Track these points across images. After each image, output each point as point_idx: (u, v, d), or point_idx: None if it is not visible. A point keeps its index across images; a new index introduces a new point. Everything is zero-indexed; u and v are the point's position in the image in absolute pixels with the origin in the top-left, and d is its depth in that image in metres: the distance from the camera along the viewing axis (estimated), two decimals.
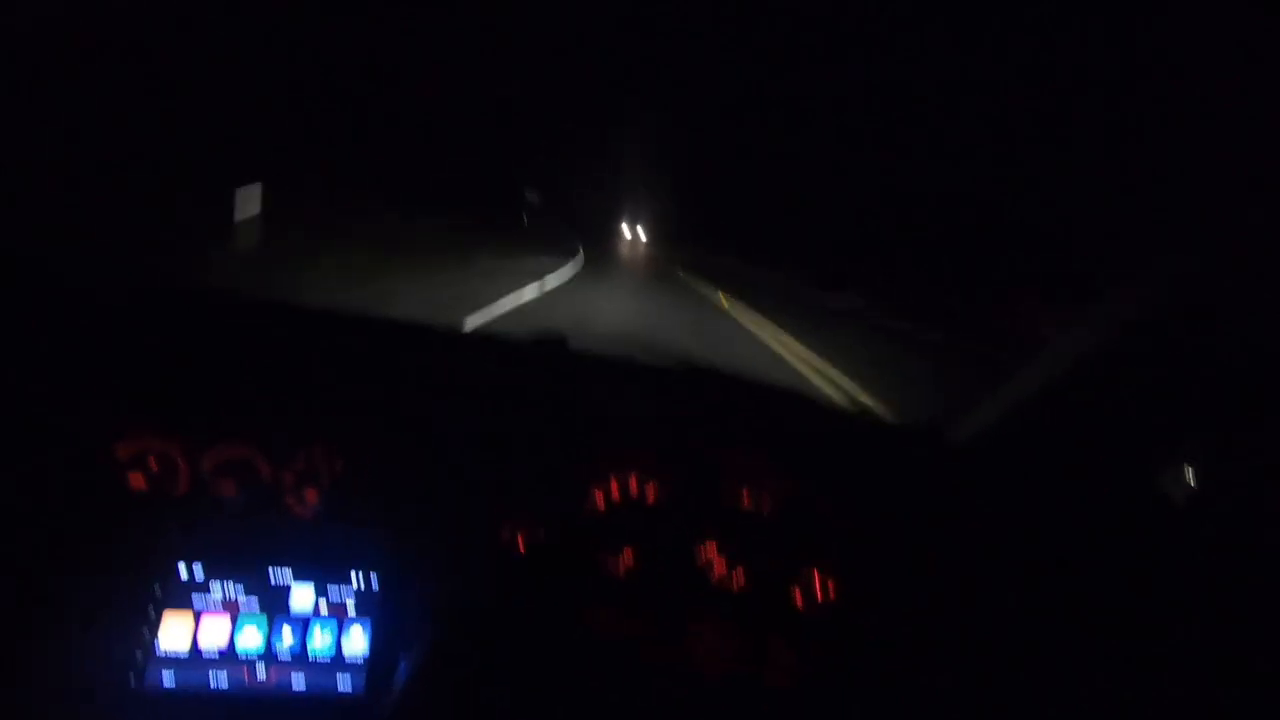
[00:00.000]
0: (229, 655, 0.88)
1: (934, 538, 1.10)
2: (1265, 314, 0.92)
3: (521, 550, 1.02)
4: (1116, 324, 1.03)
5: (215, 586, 0.91)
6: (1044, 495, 1.08)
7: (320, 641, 0.91)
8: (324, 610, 0.93)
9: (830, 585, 1.07)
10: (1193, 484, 0.97)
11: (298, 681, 0.89)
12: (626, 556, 1.06)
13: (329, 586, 0.94)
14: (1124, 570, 1.04)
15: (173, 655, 0.87)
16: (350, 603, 0.94)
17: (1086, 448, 1.07)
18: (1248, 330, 0.96)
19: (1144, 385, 1.05)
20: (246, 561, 0.93)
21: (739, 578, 1.07)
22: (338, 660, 0.91)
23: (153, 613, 0.88)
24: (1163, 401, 1.05)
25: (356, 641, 0.93)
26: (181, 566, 0.91)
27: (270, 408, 0.99)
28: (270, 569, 0.93)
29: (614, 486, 1.09)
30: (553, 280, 8.06)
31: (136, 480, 0.92)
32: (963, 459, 1.20)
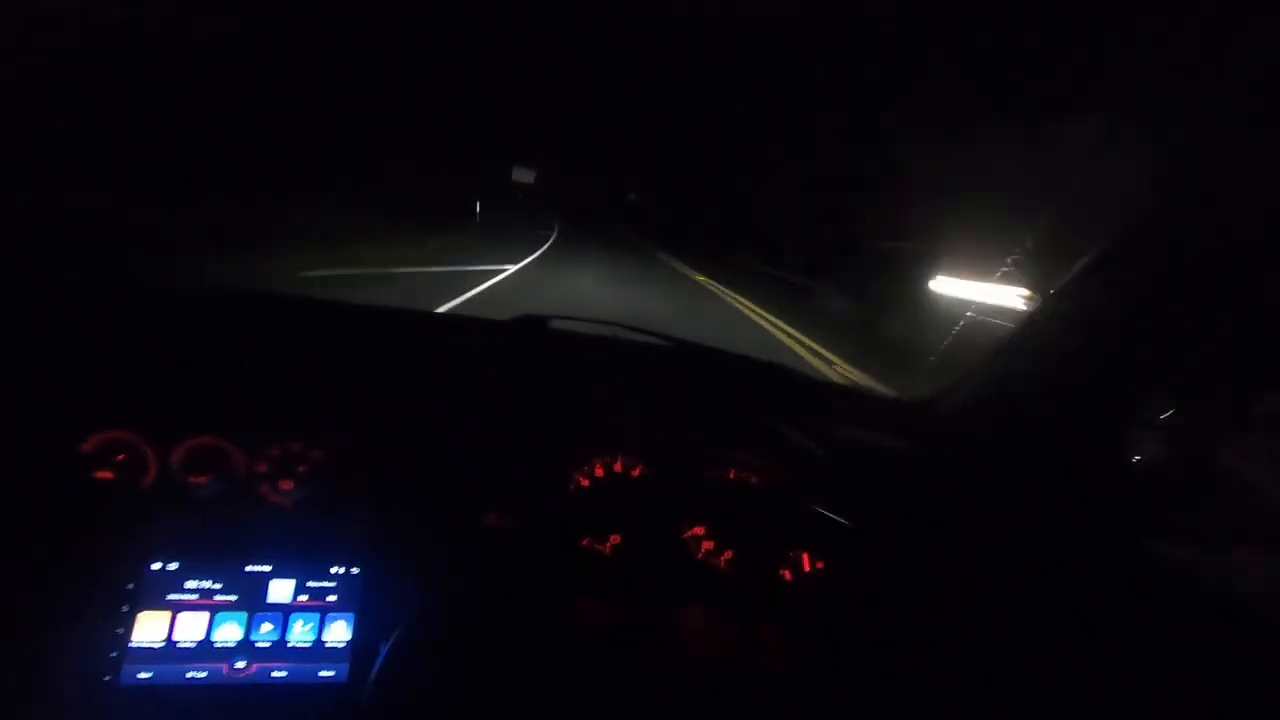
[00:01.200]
0: (206, 649, 0.86)
1: (924, 512, 1.09)
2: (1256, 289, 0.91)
3: (506, 536, 1.00)
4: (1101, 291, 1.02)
5: (191, 582, 0.89)
6: (1029, 466, 1.07)
7: (300, 633, 0.89)
8: (304, 602, 0.91)
9: (819, 564, 1.06)
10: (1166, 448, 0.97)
11: (278, 673, 0.87)
12: (614, 540, 1.04)
13: (309, 579, 0.92)
14: (1107, 546, 1.03)
15: (147, 650, 0.85)
16: (331, 595, 0.92)
17: (1070, 418, 1.06)
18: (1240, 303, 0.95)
19: (1128, 351, 1.04)
20: (224, 556, 0.91)
21: (728, 559, 1.06)
22: (318, 649, 0.89)
23: (127, 609, 0.86)
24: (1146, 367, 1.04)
25: (339, 633, 0.91)
26: (156, 562, 0.88)
27: (242, 396, 0.96)
28: (248, 563, 0.91)
29: (599, 469, 1.07)
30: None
31: (104, 475, 0.89)
32: (952, 429, 1.19)
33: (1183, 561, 0.94)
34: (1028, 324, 1.12)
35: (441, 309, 6.78)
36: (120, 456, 0.90)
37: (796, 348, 7.15)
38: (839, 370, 6.22)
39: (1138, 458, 0.99)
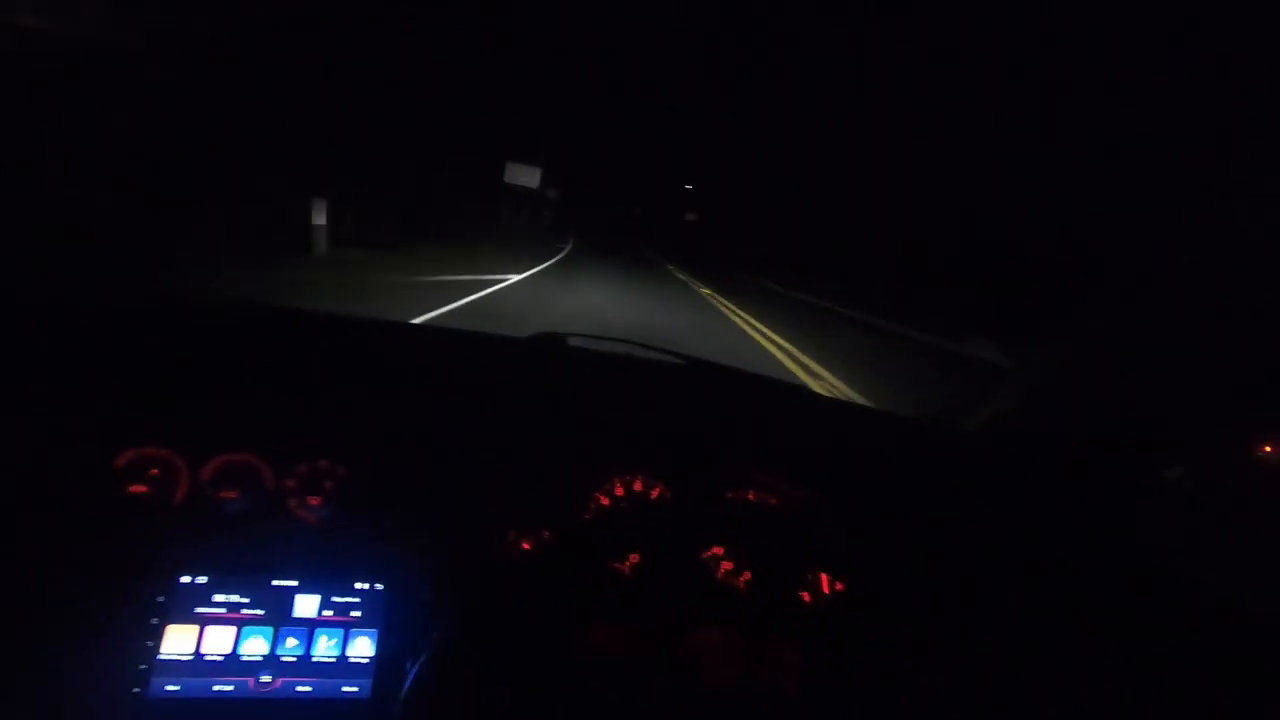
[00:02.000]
0: (233, 662, 0.87)
1: (943, 534, 1.09)
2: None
3: (526, 555, 1.01)
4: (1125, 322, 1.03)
5: (219, 596, 0.90)
6: (1049, 490, 1.08)
7: (325, 649, 0.90)
8: (329, 617, 0.92)
9: (839, 585, 1.07)
10: (1189, 482, 0.97)
11: (302, 686, 0.88)
12: (633, 559, 1.05)
13: (334, 595, 0.94)
14: (1125, 569, 1.03)
15: (175, 662, 0.86)
16: (356, 611, 0.93)
17: (1092, 443, 1.07)
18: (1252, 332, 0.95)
19: (1148, 383, 1.05)
20: (251, 571, 0.92)
21: (747, 580, 1.07)
22: (342, 664, 0.90)
23: (156, 621, 0.87)
24: (1164, 401, 1.05)
25: (362, 648, 0.92)
26: (185, 576, 0.90)
27: (273, 414, 0.99)
28: (275, 578, 0.93)
29: (618, 489, 1.08)
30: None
31: (137, 489, 0.91)
32: (973, 451, 1.19)
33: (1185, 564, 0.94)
34: (1051, 349, 1.13)
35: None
36: (153, 471, 0.92)
37: None
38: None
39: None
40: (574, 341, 1.33)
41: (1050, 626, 1.01)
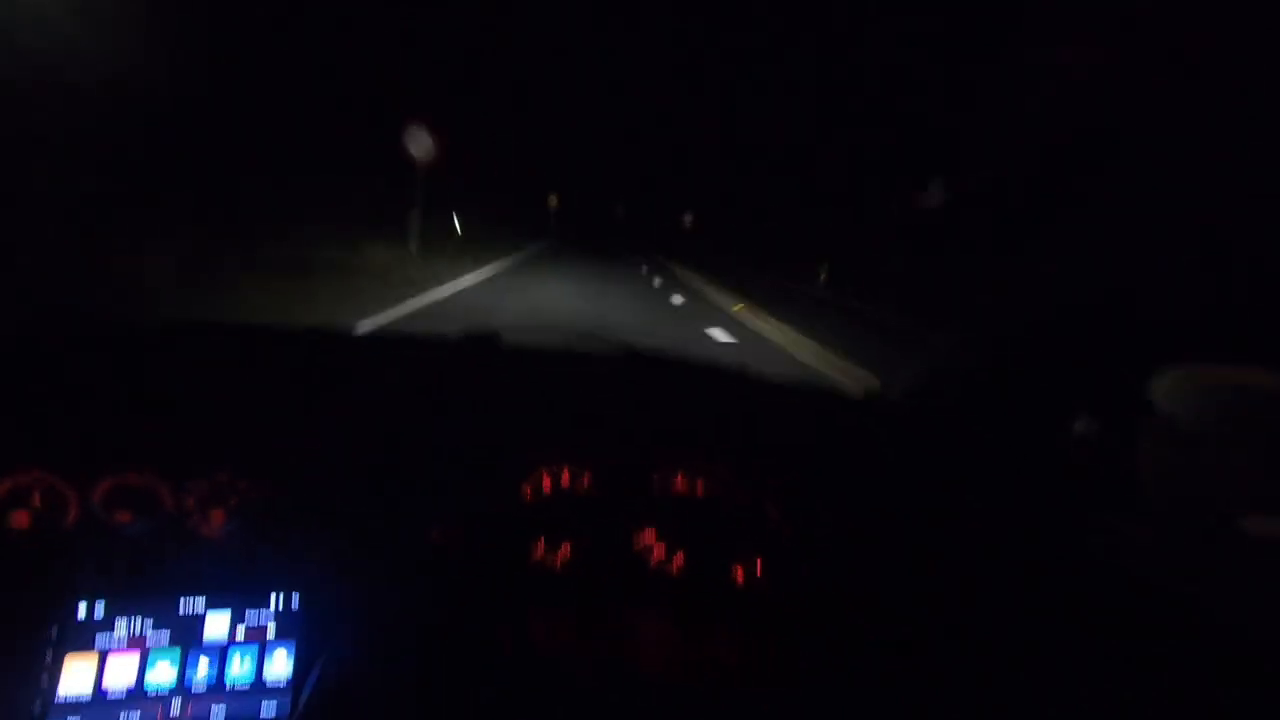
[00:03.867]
0: (138, 694, 0.83)
1: (873, 506, 1.10)
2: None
3: (451, 551, 0.98)
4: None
5: (120, 623, 0.85)
6: (973, 456, 1.10)
7: (239, 669, 0.87)
8: (241, 636, 0.88)
9: (770, 566, 1.07)
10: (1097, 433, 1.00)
11: (216, 714, 0.84)
12: (563, 552, 1.04)
13: (247, 611, 0.90)
14: (1047, 531, 1.05)
15: (75, 700, 0.81)
16: (271, 625, 0.90)
17: (1009, 406, 1.09)
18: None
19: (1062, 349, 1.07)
20: (154, 593, 0.88)
21: (679, 565, 1.06)
22: (259, 686, 0.86)
23: (50, 657, 0.82)
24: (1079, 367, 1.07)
25: (279, 665, 0.88)
26: (81, 605, 0.85)
27: (166, 429, 0.93)
28: (181, 598, 0.88)
29: (545, 480, 1.06)
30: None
31: (20, 519, 0.85)
32: (898, 420, 1.21)
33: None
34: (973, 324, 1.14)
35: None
36: (37, 499, 0.86)
37: None
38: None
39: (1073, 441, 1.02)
40: (506, 337, 1.30)
41: (973, 600, 1.02)
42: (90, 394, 0.93)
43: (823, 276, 15.39)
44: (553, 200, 34.79)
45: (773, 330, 8.87)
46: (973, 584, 1.02)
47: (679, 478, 1.09)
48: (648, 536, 1.06)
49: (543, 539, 1.03)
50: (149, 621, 0.86)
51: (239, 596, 0.90)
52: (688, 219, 37.00)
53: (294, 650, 0.89)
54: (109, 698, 0.82)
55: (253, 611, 0.89)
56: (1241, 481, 0.79)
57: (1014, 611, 0.98)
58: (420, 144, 10.29)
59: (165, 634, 0.86)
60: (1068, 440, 1.00)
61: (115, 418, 0.93)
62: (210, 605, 0.88)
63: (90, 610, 0.85)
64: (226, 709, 0.85)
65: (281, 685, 0.87)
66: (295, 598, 0.91)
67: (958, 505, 1.08)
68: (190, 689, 0.84)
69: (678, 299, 11.84)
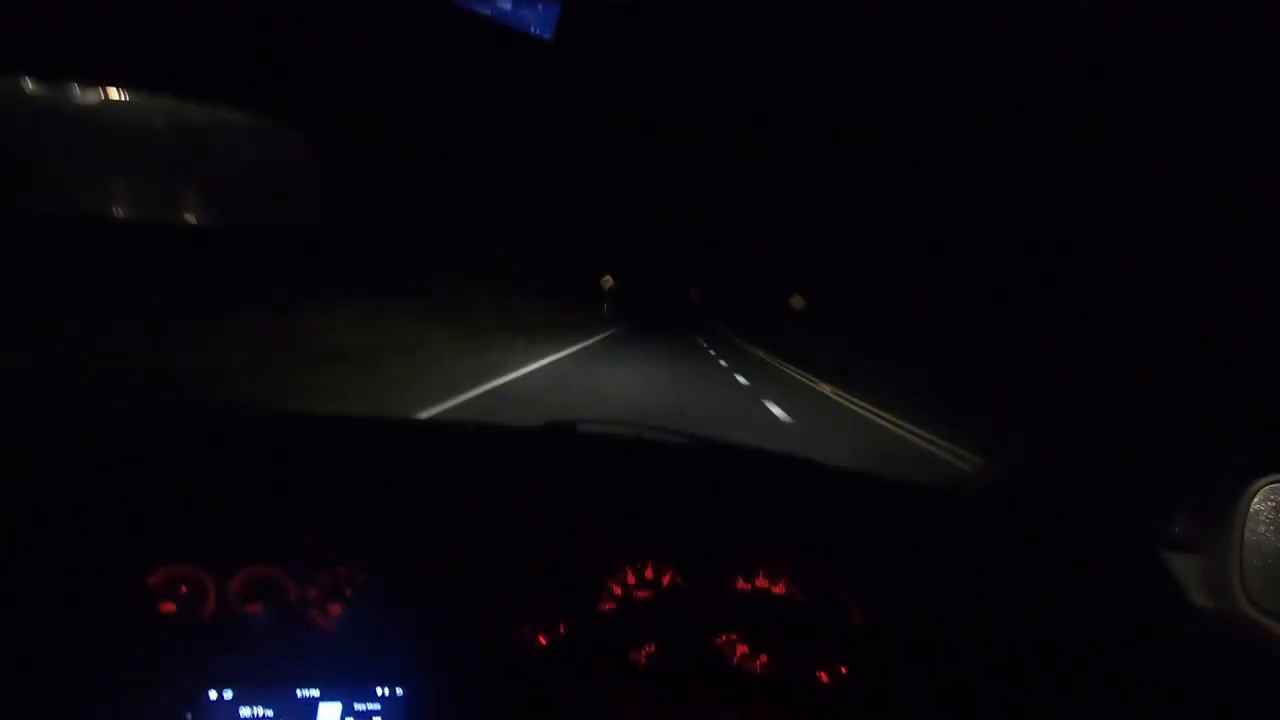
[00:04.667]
0: None
1: (958, 608, 1.09)
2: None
3: (544, 648, 1.02)
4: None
5: (245, 709, 0.92)
6: (1052, 555, 1.07)
7: None
8: None
9: (850, 669, 1.06)
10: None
11: None
12: (648, 649, 1.06)
13: (356, 702, 0.95)
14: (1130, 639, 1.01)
15: None
16: (378, 718, 0.95)
17: (1091, 502, 1.07)
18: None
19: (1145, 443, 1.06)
20: (274, 682, 0.95)
21: (762, 664, 1.07)
22: None
23: None
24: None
25: None
26: (213, 692, 0.93)
27: (292, 522, 1.02)
28: (298, 688, 0.95)
29: (630, 576, 1.10)
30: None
31: (167, 607, 0.95)
32: (976, 515, 1.20)
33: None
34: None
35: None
36: (183, 589, 0.96)
37: None
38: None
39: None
40: (584, 428, 1.37)
41: (1066, 694, 0.99)
42: (226, 488, 1.05)
43: None
44: (608, 281, 32.68)
45: None
46: (1060, 690, 0.99)
47: (760, 576, 1.11)
48: (731, 635, 1.07)
49: (627, 637, 1.06)
50: (269, 708, 0.93)
51: (349, 687, 0.96)
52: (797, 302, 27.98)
53: None
54: None
55: (361, 703, 0.95)
56: None
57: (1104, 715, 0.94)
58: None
59: None
60: (1160, 541, 0.98)
61: (250, 510, 1.03)
62: (324, 695, 0.95)
63: (220, 696, 0.92)
64: None
65: None
66: (400, 691, 0.96)
67: (1045, 608, 1.06)
68: None
69: None
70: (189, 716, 0.91)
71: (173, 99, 0.62)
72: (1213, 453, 0.99)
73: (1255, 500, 0.78)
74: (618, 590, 1.09)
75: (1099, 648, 1.01)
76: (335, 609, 0.99)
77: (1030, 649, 1.04)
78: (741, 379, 11.83)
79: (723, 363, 15.80)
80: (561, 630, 1.04)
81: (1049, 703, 0.99)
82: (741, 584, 1.11)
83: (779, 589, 1.10)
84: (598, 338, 19.36)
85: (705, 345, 23.16)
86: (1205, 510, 0.84)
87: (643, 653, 1.06)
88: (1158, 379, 0.90)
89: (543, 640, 1.03)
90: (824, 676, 1.06)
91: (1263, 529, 0.80)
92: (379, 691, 0.96)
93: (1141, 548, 1.06)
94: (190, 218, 0.67)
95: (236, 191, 0.64)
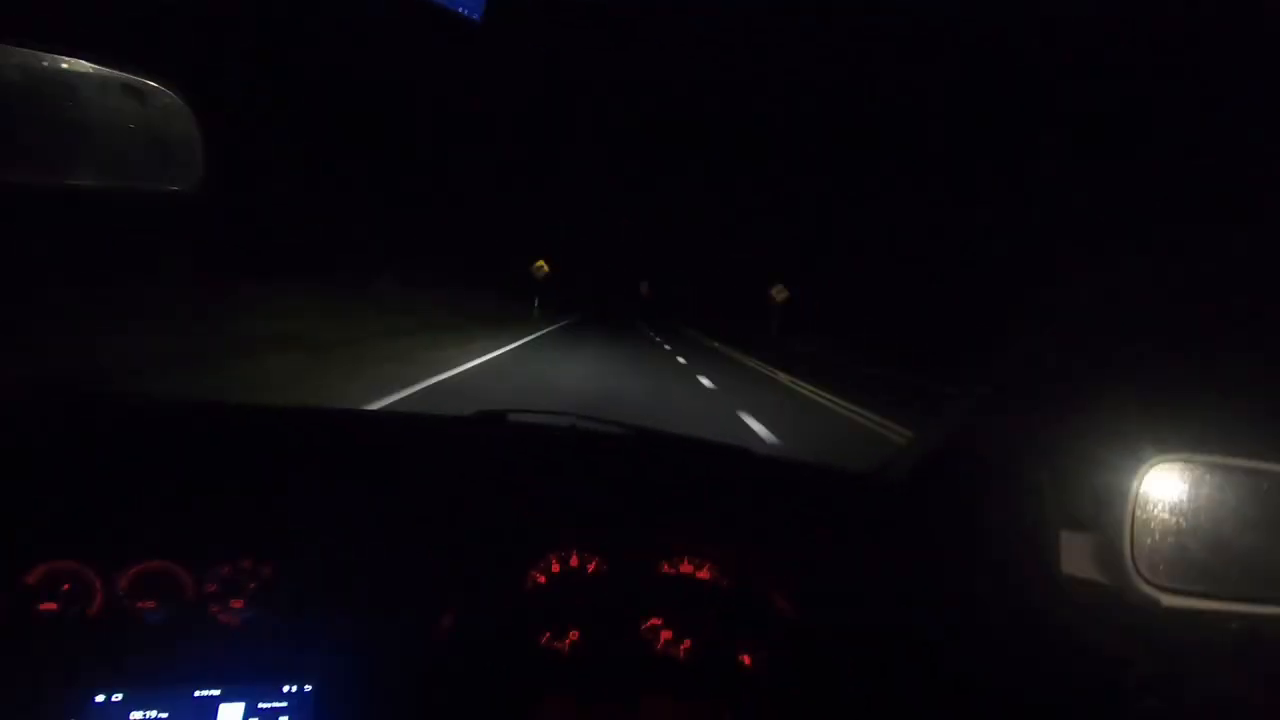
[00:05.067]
0: None
1: (876, 591, 1.11)
2: None
3: (461, 639, 1.00)
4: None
5: (136, 714, 0.87)
6: (959, 537, 1.11)
7: None
8: None
9: (778, 650, 1.07)
10: None
11: None
12: (572, 636, 1.05)
13: (260, 701, 0.91)
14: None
15: None
16: (284, 717, 0.91)
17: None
18: None
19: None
20: (170, 684, 0.89)
21: (686, 649, 1.07)
22: None
23: None
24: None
25: None
26: (100, 695, 0.86)
27: (189, 515, 0.97)
28: (196, 689, 0.89)
29: (555, 565, 1.09)
30: None
31: (48, 607, 0.88)
32: (897, 498, 1.23)
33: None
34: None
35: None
36: (65, 586, 0.89)
37: None
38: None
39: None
40: (513, 418, 1.34)
41: (973, 688, 1.02)
42: (115, 480, 0.98)
43: None
44: (542, 268, 25.65)
45: None
46: (974, 672, 1.03)
47: (685, 563, 1.11)
48: (655, 621, 1.07)
49: (551, 624, 1.04)
50: (164, 711, 0.87)
51: (253, 685, 0.91)
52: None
53: None
54: None
55: (266, 702, 0.91)
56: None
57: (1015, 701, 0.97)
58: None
59: None
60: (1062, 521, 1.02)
61: (139, 504, 0.96)
62: (225, 695, 0.90)
63: (108, 699, 0.86)
64: None
65: None
66: (309, 687, 0.92)
67: (957, 592, 1.10)
68: None
69: None
70: None
71: (33, 50, 0.56)
72: (1107, 435, 1.04)
73: (1145, 481, 0.82)
74: (541, 579, 1.07)
75: (1003, 628, 1.06)
76: (238, 604, 0.94)
77: (943, 631, 1.07)
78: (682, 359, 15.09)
79: (666, 347, 19.54)
80: (482, 620, 1.02)
81: (964, 682, 1.03)
82: (666, 569, 1.10)
83: (704, 574, 1.11)
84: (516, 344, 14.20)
85: (652, 334, 25.66)
86: (1101, 492, 0.88)
87: (566, 641, 1.05)
88: (1055, 364, 0.94)
89: (462, 630, 1.00)
90: (747, 660, 1.07)
91: (1152, 508, 0.84)
92: (285, 689, 0.92)
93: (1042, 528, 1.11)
94: (64, 178, 0.61)
95: (107, 151, 0.59)
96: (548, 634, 1.04)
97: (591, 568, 1.09)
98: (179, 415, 1.13)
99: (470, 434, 1.31)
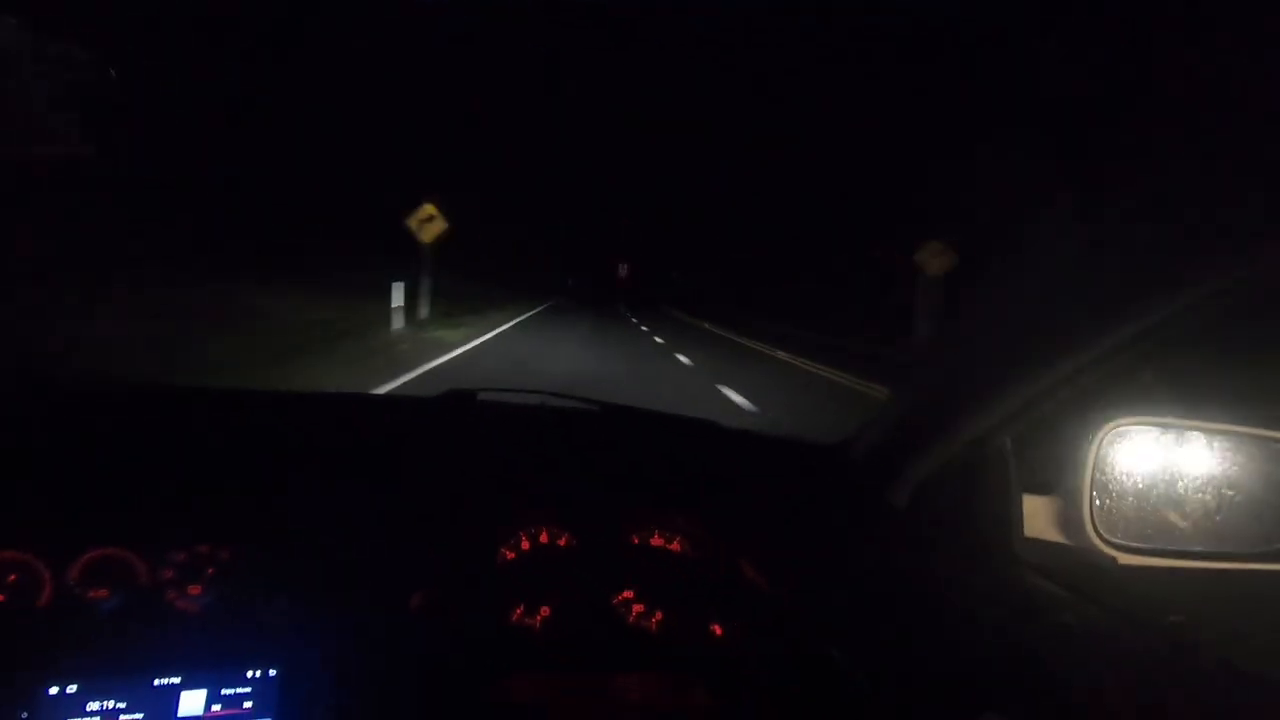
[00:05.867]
0: None
1: (847, 559, 1.12)
2: None
3: (431, 617, 0.99)
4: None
5: (93, 704, 0.84)
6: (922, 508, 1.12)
7: None
8: (218, 713, 0.87)
9: (747, 620, 1.08)
10: None
11: None
12: (544, 612, 1.04)
13: (223, 687, 0.89)
14: None
15: None
16: (248, 702, 0.89)
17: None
18: None
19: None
20: (128, 672, 0.87)
21: (658, 621, 1.07)
22: None
23: None
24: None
25: None
26: (53, 687, 0.84)
27: (142, 500, 0.93)
28: (156, 677, 0.87)
29: (524, 541, 1.08)
30: None
31: None
32: (862, 469, 1.23)
33: None
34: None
35: None
36: (11, 578, 0.86)
37: None
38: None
39: None
40: (483, 396, 1.32)
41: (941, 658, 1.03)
42: (62, 466, 0.94)
43: None
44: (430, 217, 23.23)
45: None
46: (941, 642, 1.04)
47: (655, 535, 1.11)
48: (626, 594, 1.07)
49: (522, 601, 1.04)
50: (122, 701, 0.85)
51: (215, 674, 0.89)
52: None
53: None
54: None
55: (229, 688, 0.89)
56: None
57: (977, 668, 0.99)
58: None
59: (139, 715, 0.85)
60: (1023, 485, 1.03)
61: (89, 491, 0.93)
62: (186, 683, 0.88)
63: (63, 691, 0.84)
64: None
65: None
66: (273, 671, 0.90)
67: (919, 562, 1.11)
68: None
69: None
70: (25, 716, 0.82)
71: None
72: (1068, 399, 1.05)
73: (1102, 442, 0.83)
74: (511, 555, 1.07)
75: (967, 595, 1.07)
76: (196, 590, 0.91)
77: (906, 600, 1.08)
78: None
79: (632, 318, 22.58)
80: (453, 598, 1.01)
81: (926, 651, 1.04)
82: (636, 542, 1.10)
83: (674, 546, 1.11)
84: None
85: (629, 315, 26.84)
86: (1062, 455, 0.89)
87: (538, 617, 1.04)
88: (1017, 331, 0.94)
89: (432, 609, 0.99)
90: (718, 629, 1.08)
91: (1111, 469, 0.86)
92: (250, 674, 0.90)
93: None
94: None
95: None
96: (519, 610, 1.04)
97: (562, 543, 1.08)
98: (124, 398, 1.09)
99: (439, 413, 1.28)
